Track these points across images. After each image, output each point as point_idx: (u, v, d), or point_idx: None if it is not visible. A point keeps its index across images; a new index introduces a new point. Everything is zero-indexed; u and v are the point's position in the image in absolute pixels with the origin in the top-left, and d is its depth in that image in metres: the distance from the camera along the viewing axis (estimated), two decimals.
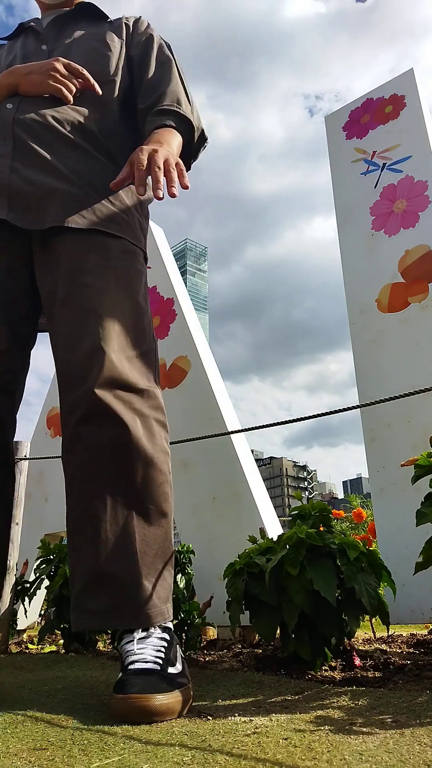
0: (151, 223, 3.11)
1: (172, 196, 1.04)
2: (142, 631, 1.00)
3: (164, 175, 1.04)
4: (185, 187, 1.07)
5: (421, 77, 2.49)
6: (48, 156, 1.18)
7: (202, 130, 1.33)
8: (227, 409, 2.51)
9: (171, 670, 0.95)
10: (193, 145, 1.32)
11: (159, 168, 1.04)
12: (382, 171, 2.37)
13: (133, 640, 0.99)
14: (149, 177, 1.06)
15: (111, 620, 1.02)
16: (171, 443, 2.03)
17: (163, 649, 0.99)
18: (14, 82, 1.22)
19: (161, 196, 1.03)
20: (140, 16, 1.46)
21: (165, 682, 0.91)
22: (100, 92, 1.26)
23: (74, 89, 1.24)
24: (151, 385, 1.13)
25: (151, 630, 1.01)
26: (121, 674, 0.95)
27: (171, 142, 1.18)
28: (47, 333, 1.21)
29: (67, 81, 1.23)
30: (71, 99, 1.24)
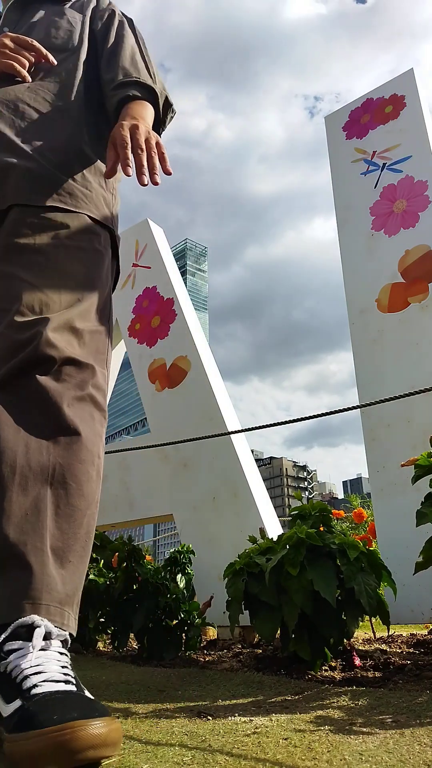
0: (150, 223, 3.12)
1: (155, 184, 1.01)
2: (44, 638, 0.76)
3: (147, 160, 1.01)
4: (167, 173, 1.05)
5: (422, 77, 2.49)
6: (6, 132, 1.13)
7: (167, 97, 1.29)
8: (227, 409, 2.51)
9: (87, 694, 0.71)
10: (160, 113, 1.28)
11: (142, 150, 1.01)
12: (382, 171, 2.37)
13: (26, 650, 0.74)
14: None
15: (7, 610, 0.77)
16: (171, 443, 2.04)
17: (68, 666, 0.76)
18: None
19: (146, 182, 1.00)
20: None
21: (96, 705, 0.66)
22: (54, 62, 1.23)
23: (27, 63, 1.20)
24: (96, 362, 1.02)
25: (52, 638, 0.77)
26: (20, 702, 0.67)
27: (145, 116, 1.16)
28: None
29: (17, 55, 1.19)
30: (25, 74, 1.20)
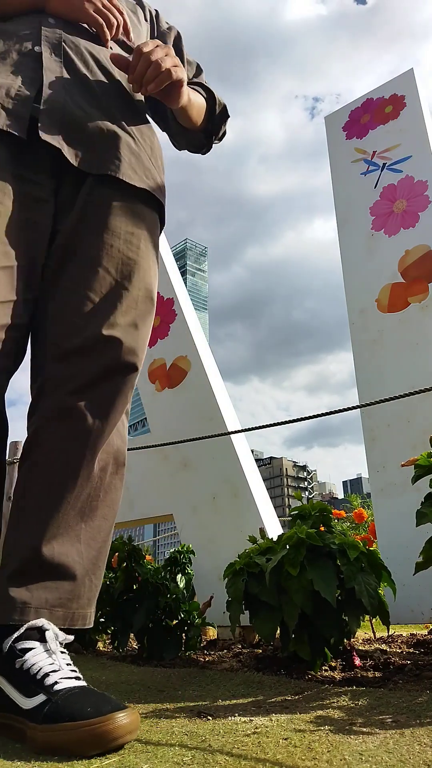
0: None
1: (144, 93, 1.02)
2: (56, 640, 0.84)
3: (151, 71, 0.98)
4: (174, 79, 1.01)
5: (422, 77, 2.49)
6: (99, 93, 1.03)
7: (225, 106, 1.24)
8: (227, 409, 2.51)
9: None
10: (216, 116, 1.23)
11: (152, 62, 0.98)
12: (382, 171, 2.37)
13: (40, 649, 0.82)
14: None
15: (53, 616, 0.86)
16: (171, 443, 2.03)
17: (72, 663, 0.84)
18: None
19: (142, 92, 1.02)
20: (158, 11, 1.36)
21: (111, 698, 0.77)
22: (134, 42, 1.11)
23: (114, 24, 1.07)
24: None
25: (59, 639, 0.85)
26: (45, 696, 0.75)
27: (194, 96, 1.14)
28: None
29: (107, 12, 1.05)
30: (109, 38, 1.07)
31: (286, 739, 0.74)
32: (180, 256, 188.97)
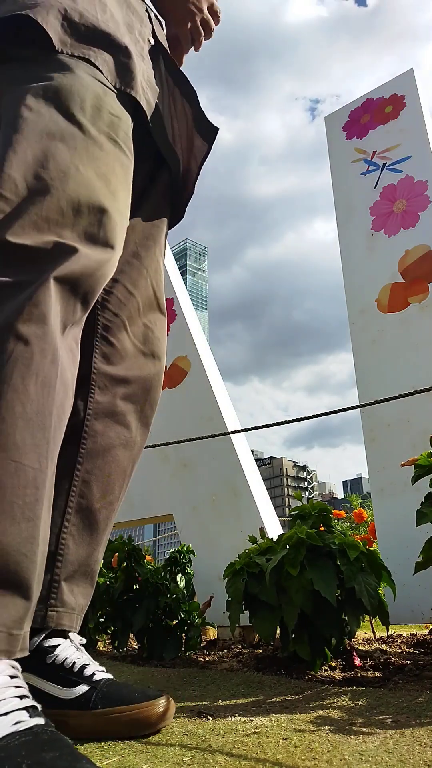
0: None
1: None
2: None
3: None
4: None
5: (422, 77, 2.48)
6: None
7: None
8: (227, 409, 2.51)
9: None
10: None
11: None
12: (382, 171, 2.37)
13: (66, 645, 0.87)
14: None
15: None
16: (171, 443, 2.03)
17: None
18: None
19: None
20: None
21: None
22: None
23: (210, 32, 1.16)
24: None
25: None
26: (87, 686, 0.82)
27: None
28: None
29: (210, 23, 1.14)
30: (200, 46, 1.16)
31: (286, 739, 0.74)
32: (180, 256, 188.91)
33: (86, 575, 0.91)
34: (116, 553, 1.89)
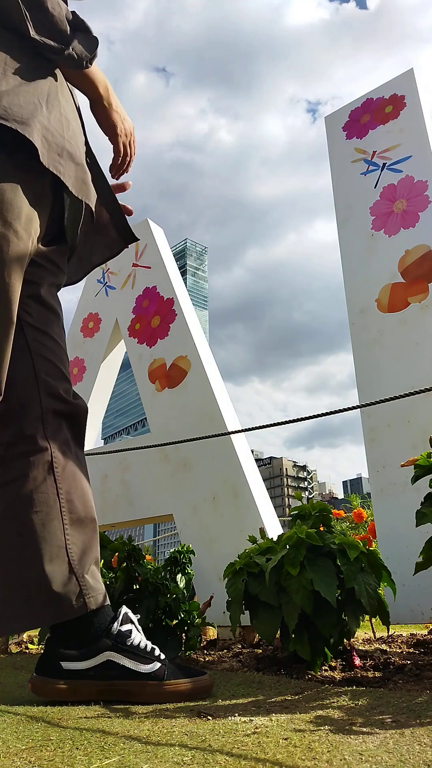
0: (150, 223, 3.12)
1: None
2: None
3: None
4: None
5: (422, 77, 2.48)
6: None
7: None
8: (227, 409, 2.51)
9: None
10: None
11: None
12: (382, 171, 2.37)
13: (134, 629, 1.13)
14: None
15: None
16: (171, 443, 2.04)
17: None
18: (100, 97, 1.15)
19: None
20: None
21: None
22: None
23: (121, 171, 1.28)
24: None
25: None
26: (159, 664, 1.08)
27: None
28: None
29: (128, 159, 1.27)
30: (113, 174, 1.28)
31: (286, 739, 0.74)
32: (180, 256, 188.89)
33: (96, 564, 1.13)
34: (116, 553, 1.88)
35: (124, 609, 1.13)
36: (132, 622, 1.12)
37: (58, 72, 1.09)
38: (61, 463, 1.10)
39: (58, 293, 1.22)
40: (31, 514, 1.06)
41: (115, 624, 1.10)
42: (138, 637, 1.10)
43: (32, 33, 0.98)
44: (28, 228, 0.97)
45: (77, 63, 1.05)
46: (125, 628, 1.10)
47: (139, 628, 1.13)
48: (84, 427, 1.19)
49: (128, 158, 1.26)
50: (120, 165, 1.26)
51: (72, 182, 1.04)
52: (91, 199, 1.12)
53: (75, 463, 1.14)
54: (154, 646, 1.11)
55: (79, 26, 1.04)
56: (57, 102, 1.05)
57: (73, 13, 1.05)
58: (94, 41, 1.07)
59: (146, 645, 1.10)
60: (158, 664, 1.07)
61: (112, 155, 1.25)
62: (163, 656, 1.09)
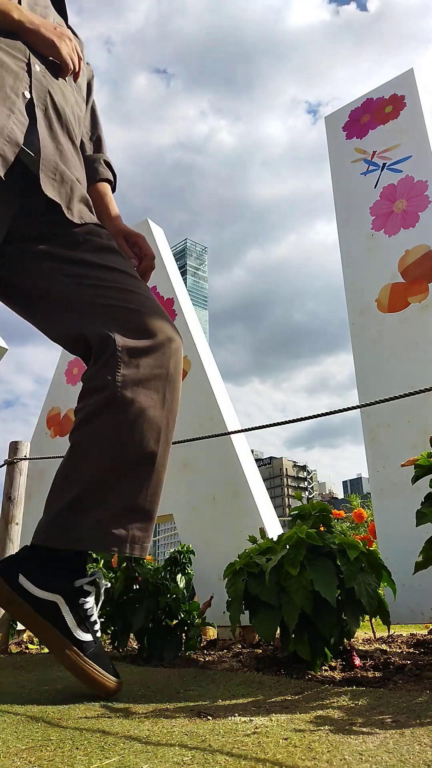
0: (150, 223, 3.12)
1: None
2: None
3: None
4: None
5: (421, 77, 2.48)
6: (67, 153, 1.22)
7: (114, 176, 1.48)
8: (227, 409, 2.51)
9: None
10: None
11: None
12: (382, 171, 2.37)
13: (92, 594, 1.10)
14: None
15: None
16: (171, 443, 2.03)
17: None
18: (19, 22, 1.14)
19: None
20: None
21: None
22: (79, 84, 1.31)
23: (77, 66, 1.24)
24: None
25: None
26: (92, 638, 1.06)
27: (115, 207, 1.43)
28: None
29: (76, 59, 1.23)
30: (76, 79, 1.26)
31: (286, 739, 0.74)
32: (180, 256, 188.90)
33: (136, 512, 1.10)
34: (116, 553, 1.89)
35: (99, 573, 1.11)
36: (96, 587, 1.09)
37: None
38: (127, 401, 1.08)
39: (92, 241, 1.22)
40: (85, 442, 1.09)
41: (84, 579, 1.07)
42: (91, 603, 1.07)
43: None
44: None
45: None
46: (87, 588, 1.07)
47: (100, 597, 1.10)
48: (169, 358, 1.14)
49: (75, 65, 1.24)
50: (71, 72, 1.24)
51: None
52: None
53: (149, 398, 1.10)
54: (95, 620, 1.07)
55: None
56: None
57: None
58: None
59: (92, 614, 1.07)
60: (91, 638, 1.05)
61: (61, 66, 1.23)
62: (98, 634, 1.07)
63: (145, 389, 1.09)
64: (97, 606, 1.09)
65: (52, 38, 1.17)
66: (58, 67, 1.22)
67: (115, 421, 1.07)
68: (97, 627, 1.07)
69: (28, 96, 1.13)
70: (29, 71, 1.15)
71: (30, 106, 1.13)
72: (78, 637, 1.03)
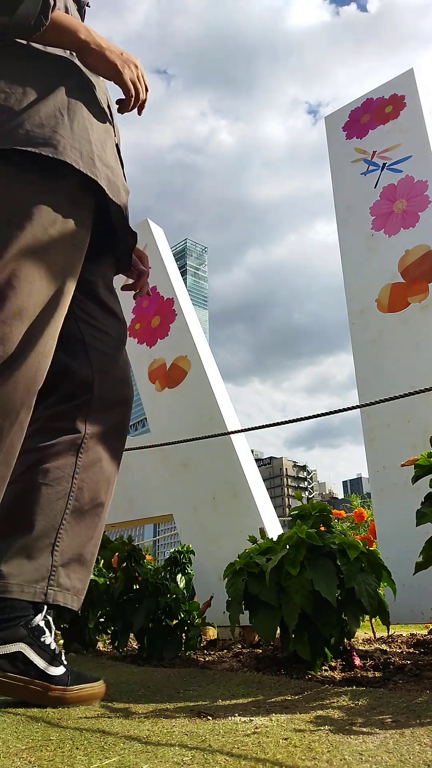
0: (150, 223, 3.12)
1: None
2: None
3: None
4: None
5: (421, 77, 2.48)
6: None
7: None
8: (227, 409, 2.51)
9: None
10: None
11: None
12: (382, 171, 2.37)
13: (47, 630, 1.06)
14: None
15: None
16: (171, 443, 2.04)
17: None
18: (85, 42, 1.04)
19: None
20: None
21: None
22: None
23: (139, 104, 1.15)
24: None
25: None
26: (64, 668, 1.03)
27: None
28: None
29: (141, 89, 1.14)
30: (129, 110, 1.16)
31: (286, 739, 0.74)
32: (180, 256, 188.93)
33: (81, 564, 1.09)
34: (116, 553, 1.89)
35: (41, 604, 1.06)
36: (47, 619, 1.05)
37: (75, 74, 1.08)
38: (89, 450, 1.11)
39: (116, 295, 1.26)
40: (41, 483, 1.07)
41: (39, 616, 1.02)
42: (49, 638, 1.03)
43: None
44: (76, 240, 1.03)
45: (28, 26, 0.95)
46: (41, 623, 1.03)
47: (51, 627, 1.06)
48: (127, 417, 1.21)
49: (141, 94, 1.14)
50: (133, 103, 1.14)
51: (105, 183, 1.06)
52: (122, 197, 1.12)
53: (105, 451, 1.15)
54: (60, 649, 1.05)
55: None
56: (78, 107, 1.05)
57: None
58: None
59: (54, 647, 1.03)
60: (63, 669, 1.02)
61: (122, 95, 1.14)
62: (63, 657, 1.04)
63: (104, 441, 1.15)
64: (51, 633, 1.05)
65: (116, 63, 1.08)
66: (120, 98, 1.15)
67: (75, 466, 1.10)
68: (60, 652, 1.04)
69: (117, 141, 1.18)
70: (110, 111, 1.17)
71: (117, 149, 1.18)
72: (53, 674, 1.00)
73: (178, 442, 1.93)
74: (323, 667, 1.29)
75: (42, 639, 1.01)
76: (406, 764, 0.63)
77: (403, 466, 1.31)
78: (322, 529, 1.42)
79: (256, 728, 0.80)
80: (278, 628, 1.34)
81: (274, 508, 2.44)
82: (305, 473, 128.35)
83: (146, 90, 1.16)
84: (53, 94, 1.02)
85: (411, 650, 1.53)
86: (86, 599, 1.20)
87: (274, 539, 1.47)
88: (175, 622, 1.76)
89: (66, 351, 1.13)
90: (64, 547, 1.06)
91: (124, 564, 1.85)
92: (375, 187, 2.37)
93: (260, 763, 0.65)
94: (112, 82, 1.11)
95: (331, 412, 1.58)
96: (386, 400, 1.48)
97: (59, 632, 2.10)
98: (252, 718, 0.87)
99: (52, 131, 0.98)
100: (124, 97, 1.12)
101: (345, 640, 1.36)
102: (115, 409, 1.17)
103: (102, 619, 1.99)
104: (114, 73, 1.09)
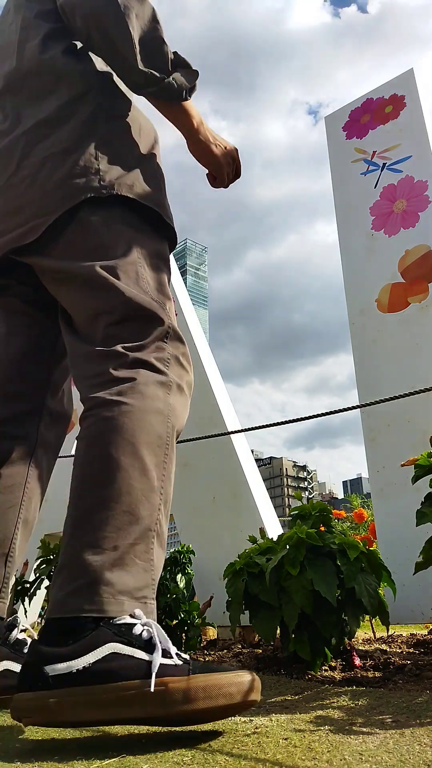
0: None
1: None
2: None
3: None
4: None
5: (421, 77, 2.48)
6: None
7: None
8: (227, 409, 2.51)
9: None
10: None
11: None
12: (382, 171, 2.37)
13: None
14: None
15: None
16: None
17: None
18: (196, 131, 1.11)
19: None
20: None
21: None
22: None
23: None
24: None
25: None
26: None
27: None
28: None
29: (233, 175, 1.21)
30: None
31: (286, 739, 0.74)
32: (180, 256, 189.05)
33: (7, 582, 1.07)
34: None
35: (18, 613, 1.09)
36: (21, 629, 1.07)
37: (158, 141, 1.13)
38: (38, 460, 1.12)
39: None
40: None
41: (15, 632, 1.05)
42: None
43: (140, 65, 0.97)
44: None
45: (176, 93, 1.02)
46: (21, 636, 1.05)
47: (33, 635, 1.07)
48: (64, 435, 1.21)
49: (228, 183, 1.22)
50: (218, 186, 1.23)
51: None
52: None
53: (46, 464, 1.15)
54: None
55: (179, 61, 1.02)
56: (156, 151, 1.11)
57: (175, 53, 1.03)
58: (194, 73, 1.04)
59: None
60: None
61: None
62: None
63: (47, 455, 1.15)
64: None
65: (218, 157, 1.15)
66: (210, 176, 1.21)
67: (27, 475, 1.11)
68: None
69: None
70: None
71: None
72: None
73: (179, 442, 1.92)
74: (323, 667, 1.28)
75: (23, 652, 1.01)
76: (406, 764, 0.63)
77: (403, 466, 1.31)
78: (322, 529, 1.42)
79: (256, 728, 0.80)
80: (278, 628, 1.34)
81: (274, 508, 2.44)
82: (305, 473, 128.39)
83: (237, 177, 1.22)
84: (151, 158, 1.08)
85: (411, 650, 1.53)
86: None
87: (274, 539, 1.47)
88: (175, 622, 1.76)
89: (36, 360, 1.14)
90: (15, 557, 1.07)
91: None
92: (375, 187, 2.37)
93: (260, 763, 0.65)
94: (209, 170, 1.19)
95: (331, 412, 1.58)
96: (386, 400, 1.48)
97: None
98: (252, 718, 0.87)
99: (158, 192, 1.04)
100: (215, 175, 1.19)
101: (345, 640, 1.36)
102: (59, 425, 1.18)
103: None
104: (216, 166, 1.16)
